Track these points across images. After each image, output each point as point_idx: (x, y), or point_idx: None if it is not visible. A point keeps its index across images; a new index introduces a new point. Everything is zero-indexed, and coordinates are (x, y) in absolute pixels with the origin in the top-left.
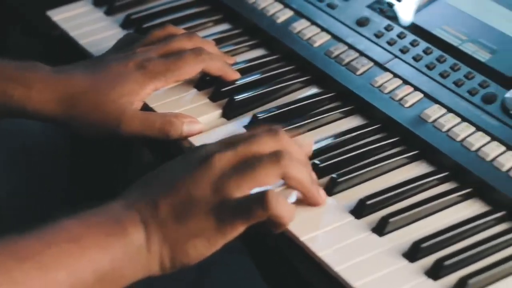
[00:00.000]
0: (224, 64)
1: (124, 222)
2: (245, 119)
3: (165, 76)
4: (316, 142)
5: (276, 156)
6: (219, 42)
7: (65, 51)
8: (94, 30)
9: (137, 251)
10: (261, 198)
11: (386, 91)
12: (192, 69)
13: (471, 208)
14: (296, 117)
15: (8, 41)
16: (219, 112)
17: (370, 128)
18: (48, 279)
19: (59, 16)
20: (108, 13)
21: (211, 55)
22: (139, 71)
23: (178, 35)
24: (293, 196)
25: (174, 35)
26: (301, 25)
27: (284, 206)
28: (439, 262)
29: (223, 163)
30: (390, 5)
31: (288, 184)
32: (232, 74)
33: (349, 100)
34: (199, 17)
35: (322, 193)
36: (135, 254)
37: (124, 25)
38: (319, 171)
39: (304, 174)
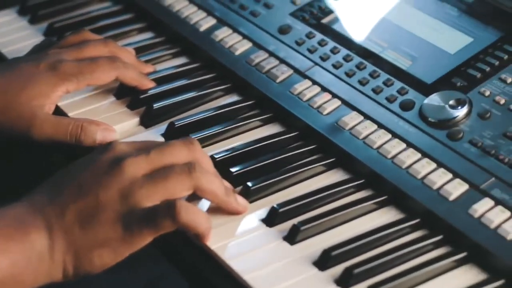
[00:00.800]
0: (139, 74)
1: (27, 227)
2: (164, 127)
3: (77, 78)
4: (231, 149)
5: (188, 168)
6: (142, 50)
7: None
8: (17, 39)
9: (39, 257)
10: (170, 208)
11: (305, 98)
12: (105, 75)
13: (386, 215)
14: (215, 124)
15: None
16: (137, 120)
17: (288, 136)
18: None
19: None
20: (32, 21)
21: (125, 64)
22: (50, 72)
23: (93, 41)
24: (205, 205)
25: (90, 40)
26: (223, 33)
27: (196, 215)
28: (348, 271)
29: (134, 169)
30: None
31: (201, 196)
32: (147, 84)
33: (268, 107)
34: (123, 25)
35: (241, 200)
36: (36, 260)
37: (47, 33)
38: (234, 179)
39: (216, 185)
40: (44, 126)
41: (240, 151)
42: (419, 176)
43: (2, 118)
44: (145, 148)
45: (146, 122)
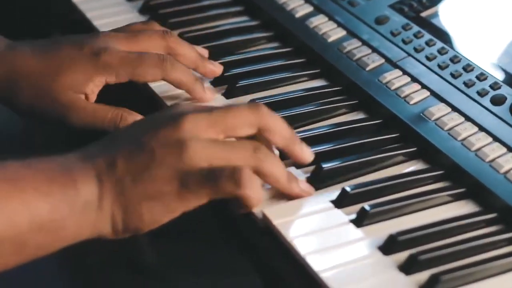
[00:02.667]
0: (191, 78)
1: (74, 173)
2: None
3: (116, 71)
4: (311, 129)
5: (254, 147)
6: (234, 33)
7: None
8: (111, 13)
9: (84, 206)
10: (236, 173)
11: (393, 87)
12: (148, 74)
13: (461, 208)
14: (297, 106)
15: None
16: (219, 96)
17: (370, 123)
18: None
19: None
20: None
21: (175, 65)
22: (91, 59)
23: (150, 31)
24: None
25: (147, 31)
26: (318, 20)
27: (256, 188)
28: (413, 257)
29: (194, 124)
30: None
31: (262, 179)
32: (199, 91)
33: (354, 94)
34: (219, 7)
35: (305, 186)
36: (81, 208)
37: (142, 10)
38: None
39: (279, 171)
40: (80, 114)
41: (318, 132)
42: (502, 171)
43: (37, 101)
44: (209, 109)
45: (229, 95)
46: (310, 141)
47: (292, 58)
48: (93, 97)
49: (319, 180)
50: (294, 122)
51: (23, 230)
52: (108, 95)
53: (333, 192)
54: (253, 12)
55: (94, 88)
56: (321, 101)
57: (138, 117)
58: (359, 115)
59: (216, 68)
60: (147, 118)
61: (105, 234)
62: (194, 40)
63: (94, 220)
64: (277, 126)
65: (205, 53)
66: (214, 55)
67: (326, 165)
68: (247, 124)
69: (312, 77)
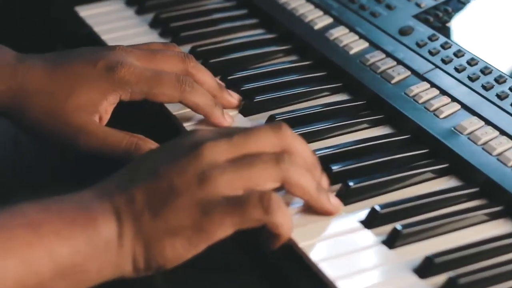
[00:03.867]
0: (210, 103)
1: (93, 212)
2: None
3: (132, 88)
4: (334, 146)
5: (276, 157)
6: (252, 46)
7: None
8: (120, 27)
9: (106, 245)
10: (263, 199)
11: (421, 100)
12: (165, 95)
13: (499, 227)
14: (319, 122)
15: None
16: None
17: (398, 138)
18: None
19: (87, 12)
20: (139, 12)
21: (194, 89)
22: (105, 75)
23: (170, 52)
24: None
25: (166, 50)
26: (339, 32)
27: (287, 214)
28: (452, 281)
29: (214, 153)
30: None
31: (288, 190)
32: (218, 116)
33: (379, 109)
34: (233, 20)
35: (334, 200)
36: (102, 249)
37: (153, 24)
38: (333, 176)
39: (307, 180)
40: (91, 139)
41: (343, 149)
42: None
43: (46, 122)
44: (228, 132)
45: (246, 112)
46: (335, 158)
47: (312, 71)
48: (106, 118)
49: (345, 199)
50: (315, 137)
51: (46, 278)
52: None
53: (361, 211)
54: (269, 24)
55: (108, 107)
56: (344, 116)
57: (153, 145)
58: (385, 130)
59: (234, 100)
60: (164, 147)
61: (126, 273)
62: (208, 55)
63: (116, 260)
64: (300, 149)
65: (223, 85)
66: (228, 70)
67: (353, 184)
68: (270, 147)
69: (334, 91)
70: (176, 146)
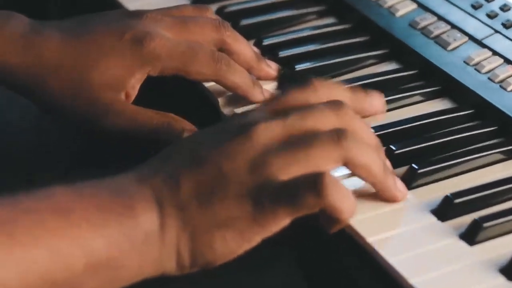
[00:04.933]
0: (248, 80)
1: (131, 199)
2: None
3: (163, 64)
4: (389, 124)
5: (338, 135)
6: (285, 6)
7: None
8: None
9: (146, 238)
10: (316, 182)
11: (484, 70)
12: (198, 73)
13: None
14: None
15: None
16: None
17: (460, 114)
18: (20, 257)
19: None
20: None
21: (232, 68)
22: (133, 48)
23: (204, 18)
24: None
25: (200, 17)
26: None
27: (344, 196)
28: None
29: (268, 135)
30: None
31: (352, 172)
32: (256, 95)
33: (435, 79)
34: None
35: (400, 185)
36: (142, 241)
37: None
38: (394, 159)
39: (374, 160)
40: (119, 119)
41: (401, 127)
42: None
43: (68, 100)
44: (281, 110)
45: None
46: (392, 137)
47: (353, 36)
48: (133, 94)
49: (410, 184)
50: None
51: (78, 272)
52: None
53: (429, 198)
54: None
55: (135, 83)
56: (394, 89)
57: (187, 125)
58: (444, 104)
59: (273, 71)
60: (210, 129)
61: (169, 270)
62: (237, 16)
63: (157, 254)
64: (362, 128)
65: (259, 54)
66: (262, 34)
67: (420, 168)
68: (329, 126)
69: (381, 59)
70: (224, 128)
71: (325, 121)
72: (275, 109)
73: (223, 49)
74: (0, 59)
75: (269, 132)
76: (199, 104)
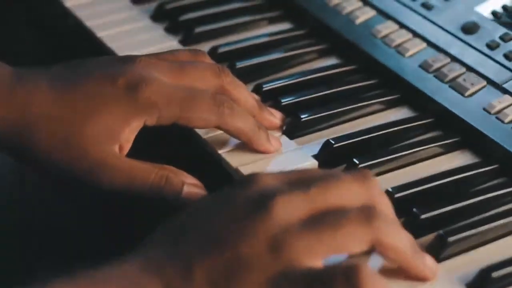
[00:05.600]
0: (254, 127)
1: None
2: (314, 146)
3: (160, 112)
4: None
5: (367, 214)
6: (276, 45)
7: (79, 46)
8: (117, 21)
9: None
10: (350, 274)
11: (507, 120)
12: (200, 119)
13: None
14: (380, 147)
15: (10, 32)
16: (279, 134)
17: (487, 169)
18: None
19: (73, 1)
20: (136, 1)
21: (235, 112)
22: (128, 95)
23: (203, 64)
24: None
25: (198, 62)
26: (387, 28)
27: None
28: None
29: (288, 210)
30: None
31: (380, 253)
32: (263, 144)
33: (455, 128)
34: (250, 12)
35: (430, 262)
36: None
37: (155, 16)
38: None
39: (403, 240)
40: (113, 174)
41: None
42: None
43: (57, 156)
44: (300, 181)
45: (292, 134)
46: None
47: (360, 79)
48: (127, 147)
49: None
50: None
51: None
52: None
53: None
54: (296, 17)
55: (130, 135)
56: (411, 138)
57: (188, 178)
58: (465, 157)
59: (276, 120)
60: (219, 200)
61: None
62: (232, 57)
63: None
64: (387, 202)
65: (258, 99)
66: (261, 77)
67: (450, 236)
68: (353, 201)
69: (391, 105)
70: (235, 200)
71: (351, 195)
72: (294, 178)
73: None
74: None
75: (289, 207)
76: (197, 151)
